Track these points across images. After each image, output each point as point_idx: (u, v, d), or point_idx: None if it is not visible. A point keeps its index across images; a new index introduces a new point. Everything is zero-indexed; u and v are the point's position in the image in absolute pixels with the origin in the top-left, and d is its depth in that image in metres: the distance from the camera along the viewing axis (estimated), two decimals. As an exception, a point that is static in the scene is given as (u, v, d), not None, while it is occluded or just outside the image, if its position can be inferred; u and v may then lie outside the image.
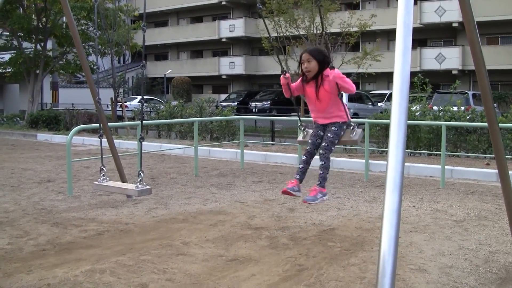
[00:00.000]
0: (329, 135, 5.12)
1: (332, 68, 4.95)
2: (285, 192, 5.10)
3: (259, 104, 35.16)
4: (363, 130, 5.28)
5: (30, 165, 12.40)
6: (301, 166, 5.26)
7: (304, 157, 5.27)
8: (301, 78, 5.25)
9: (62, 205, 7.96)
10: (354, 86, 5.11)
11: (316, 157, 5.23)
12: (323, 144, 5.12)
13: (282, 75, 5.21)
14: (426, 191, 9.14)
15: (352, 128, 5.20)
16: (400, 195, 2.45)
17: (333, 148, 5.18)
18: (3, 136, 22.30)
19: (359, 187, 9.63)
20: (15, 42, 26.96)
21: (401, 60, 2.70)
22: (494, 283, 4.73)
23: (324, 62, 5.03)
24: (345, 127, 5.20)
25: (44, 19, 25.76)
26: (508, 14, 34.19)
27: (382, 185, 9.61)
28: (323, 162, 5.09)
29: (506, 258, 5.38)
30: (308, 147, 5.29)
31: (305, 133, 5.43)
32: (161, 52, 53.14)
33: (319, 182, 5.11)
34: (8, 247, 5.71)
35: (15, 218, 7.09)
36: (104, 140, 6.82)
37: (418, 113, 14.11)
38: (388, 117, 13.61)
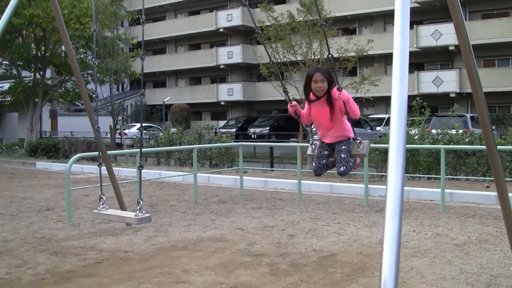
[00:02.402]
0: (342, 155, 5.07)
1: (340, 89, 4.94)
2: None
3: (258, 130, 35.20)
4: (370, 141, 5.22)
5: (29, 193, 12.38)
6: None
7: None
8: (306, 100, 5.21)
9: (61, 233, 7.93)
10: (359, 111, 5.13)
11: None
12: (342, 168, 5.04)
13: (289, 105, 5.19)
14: (426, 215, 9.11)
15: (359, 142, 5.14)
16: (400, 220, 2.44)
17: (351, 164, 5.10)
18: (2, 165, 22.28)
19: (359, 212, 9.61)
20: (14, 71, 27.12)
21: (398, 86, 2.71)
22: (497, 308, 4.70)
23: (332, 83, 5.03)
24: (352, 140, 5.15)
25: (43, 48, 25.92)
26: (504, 36, 34.41)
27: (382, 210, 9.59)
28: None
29: (508, 281, 5.35)
30: (313, 170, 5.28)
31: (313, 146, 5.37)
32: (159, 79, 53.32)
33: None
34: (7, 277, 5.67)
35: (14, 247, 7.06)
36: (104, 168, 6.81)
37: (416, 136, 14.12)
38: (387, 142, 13.66)
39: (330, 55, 5.19)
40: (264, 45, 5.79)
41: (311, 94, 5.09)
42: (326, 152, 5.22)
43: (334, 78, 5.14)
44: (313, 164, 5.26)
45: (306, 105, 5.23)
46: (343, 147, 5.10)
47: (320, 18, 6.16)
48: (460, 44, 4.64)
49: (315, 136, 4.97)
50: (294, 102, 5.18)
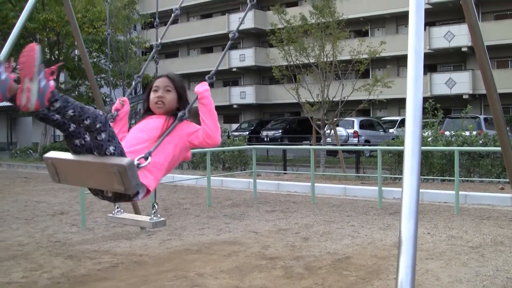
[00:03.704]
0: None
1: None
2: None
3: (271, 133, 35.17)
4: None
5: (43, 197, 12.45)
6: None
7: None
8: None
9: (76, 237, 7.96)
10: (219, 131, 3.32)
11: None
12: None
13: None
14: (441, 217, 9.07)
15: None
16: (416, 222, 2.43)
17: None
18: (17, 169, 22.44)
19: (373, 214, 9.57)
20: (28, 76, 27.28)
21: (413, 87, 2.70)
22: (514, 310, 4.66)
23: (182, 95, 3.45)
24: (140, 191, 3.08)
25: (56, 52, 26.09)
26: (517, 37, 34.21)
27: (396, 212, 9.55)
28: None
29: (524, 284, 5.31)
30: None
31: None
32: (172, 83, 53.45)
33: None
34: (22, 281, 5.70)
35: (29, 251, 7.10)
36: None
37: (430, 138, 14.08)
38: (400, 144, 13.62)
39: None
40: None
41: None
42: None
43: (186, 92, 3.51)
44: None
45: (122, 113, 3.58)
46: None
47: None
48: (474, 44, 4.61)
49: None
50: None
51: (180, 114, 3.15)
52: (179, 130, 3.20)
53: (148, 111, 3.40)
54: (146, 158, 2.97)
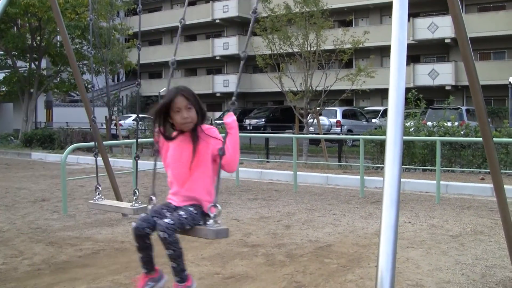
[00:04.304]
0: (181, 213, 3.51)
1: (230, 110, 3.73)
2: None
3: (254, 121, 35.19)
4: (227, 231, 3.59)
5: (24, 184, 12.36)
6: (140, 256, 3.69)
7: (136, 244, 3.62)
8: (161, 135, 3.79)
9: (57, 224, 7.92)
10: (237, 159, 3.68)
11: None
12: (166, 220, 3.44)
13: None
14: (422, 207, 9.14)
15: (214, 219, 3.55)
16: (397, 210, 2.45)
17: (178, 230, 3.50)
18: (-3, 156, 22.26)
19: (355, 203, 9.62)
20: (9, 61, 27.05)
21: (396, 76, 2.70)
22: (492, 298, 4.72)
23: (201, 112, 3.70)
24: (204, 212, 3.61)
25: (38, 38, 25.86)
26: (500, 29, 34.47)
27: (377, 201, 9.61)
28: (171, 252, 3.49)
29: (503, 272, 5.38)
30: (133, 229, 3.60)
31: (152, 201, 3.88)
32: (155, 70, 53.21)
33: (178, 279, 3.66)
34: (2, 267, 5.67)
35: (9, 237, 7.05)
36: (99, 158, 6.80)
37: (412, 129, 14.16)
38: (382, 133, 13.69)
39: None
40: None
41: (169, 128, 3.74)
42: (167, 213, 3.59)
43: (201, 103, 3.72)
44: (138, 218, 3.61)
45: (161, 141, 3.80)
46: (191, 208, 3.57)
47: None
48: (458, 36, 4.63)
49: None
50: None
51: (220, 153, 3.52)
52: (209, 147, 3.63)
53: (171, 126, 3.73)
54: (215, 206, 3.52)
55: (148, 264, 3.74)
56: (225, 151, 3.51)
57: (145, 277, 3.76)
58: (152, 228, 3.50)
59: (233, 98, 3.66)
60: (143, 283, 3.74)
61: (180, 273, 3.65)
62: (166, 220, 3.41)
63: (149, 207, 3.77)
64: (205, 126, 3.68)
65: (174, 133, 3.71)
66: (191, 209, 3.55)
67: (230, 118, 3.61)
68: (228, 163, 3.55)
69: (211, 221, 3.52)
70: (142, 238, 3.54)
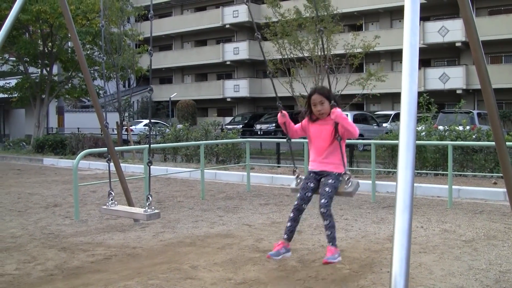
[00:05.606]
0: (326, 189, 4.96)
1: (334, 105, 4.84)
2: (270, 257, 5.04)
3: (264, 126, 35.19)
4: (358, 183, 5.12)
5: (36, 189, 12.42)
6: (288, 224, 5.08)
7: (292, 214, 5.09)
8: (307, 118, 5.15)
9: (69, 229, 7.95)
10: (357, 129, 4.97)
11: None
12: (323, 200, 4.92)
13: (279, 114, 5.11)
14: (434, 211, 9.10)
15: (348, 179, 5.00)
16: (410, 215, 2.44)
17: (332, 202, 4.99)
18: (10, 161, 22.38)
19: (366, 208, 9.59)
20: (21, 67, 27.19)
21: (408, 80, 2.70)
22: (506, 304, 4.68)
23: (331, 100, 4.95)
24: (341, 178, 5.04)
25: (50, 44, 25.99)
26: (510, 33, 34.29)
27: (389, 206, 9.58)
28: (327, 222, 4.93)
29: (516, 278, 5.33)
30: (296, 202, 5.11)
31: (298, 180, 5.30)
32: (166, 76, 53.37)
33: (331, 243, 4.93)
34: (15, 273, 5.69)
35: (22, 243, 7.08)
36: (111, 164, 6.82)
37: (423, 133, 14.10)
38: (394, 138, 13.65)
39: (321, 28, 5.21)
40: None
41: (312, 114, 5.10)
42: (312, 185, 5.12)
43: (332, 94, 5.01)
44: (298, 195, 5.12)
45: (305, 121, 5.17)
46: (330, 181, 5.00)
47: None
48: (470, 39, 4.62)
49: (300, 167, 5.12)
50: (284, 112, 5.12)
51: (339, 139, 4.97)
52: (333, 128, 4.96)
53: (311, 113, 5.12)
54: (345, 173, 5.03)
55: (291, 233, 5.04)
56: (341, 133, 4.87)
57: (283, 243, 5.00)
58: (307, 202, 5.10)
59: (278, 103, 5.08)
60: (281, 246, 4.97)
61: (332, 240, 4.92)
62: (323, 201, 4.90)
63: (293, 185, 5.31)
64: (333, 112, 4.83)
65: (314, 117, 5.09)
66: (330, 181, 4.96)
67: (334, 114, 4.84)
68: (347, 136, 4.96)
69: (347, 183, 4.97)
70: (299, 211, 5.07)
